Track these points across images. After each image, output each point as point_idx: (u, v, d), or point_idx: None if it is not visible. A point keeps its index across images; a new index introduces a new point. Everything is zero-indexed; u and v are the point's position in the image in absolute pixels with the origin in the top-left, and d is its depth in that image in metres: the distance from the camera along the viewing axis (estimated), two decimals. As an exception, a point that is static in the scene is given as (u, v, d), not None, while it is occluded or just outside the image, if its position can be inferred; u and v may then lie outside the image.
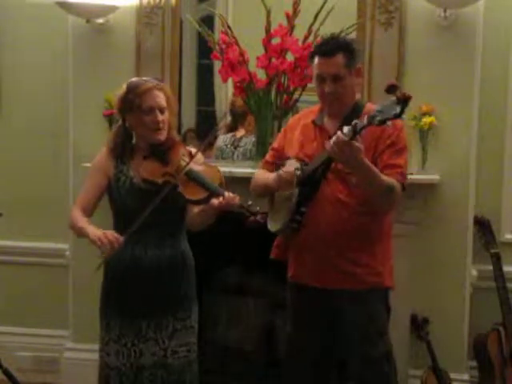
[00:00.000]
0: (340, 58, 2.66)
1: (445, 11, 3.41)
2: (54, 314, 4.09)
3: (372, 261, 2.75)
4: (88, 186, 2.75)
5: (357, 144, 2.45)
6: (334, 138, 2.46)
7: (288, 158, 2.80)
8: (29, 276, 4.15)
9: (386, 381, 2.81)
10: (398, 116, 2.33)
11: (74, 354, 3.93)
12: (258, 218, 2.58)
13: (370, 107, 2.76)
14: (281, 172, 2.73)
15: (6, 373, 3.40)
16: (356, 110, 2.71)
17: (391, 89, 2.37)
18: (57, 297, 4.05)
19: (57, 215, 3.90)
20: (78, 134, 3.81)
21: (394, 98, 2.33)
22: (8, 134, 4.14)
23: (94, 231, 2.56)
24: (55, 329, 4.11)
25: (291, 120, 3.01)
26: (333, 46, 2.68)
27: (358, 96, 2.91)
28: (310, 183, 2.69)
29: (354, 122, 2.43)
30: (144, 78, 2.74)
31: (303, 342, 2.85)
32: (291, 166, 2.72)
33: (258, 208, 2.60)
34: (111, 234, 2.52)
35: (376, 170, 2.58)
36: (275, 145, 2.97)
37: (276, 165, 2.88)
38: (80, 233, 2.65)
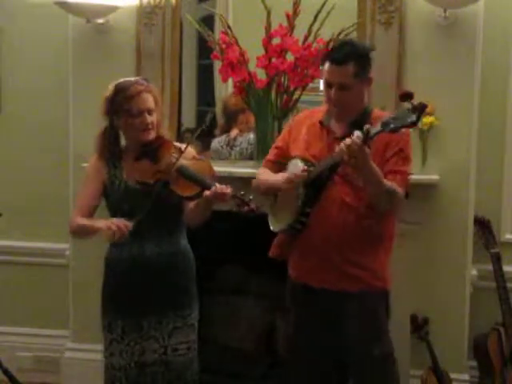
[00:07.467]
0: (350, 68, 2.61)
1: (445, 11, 3.40)
2: (54, 314, 4.09)
3: (375, 264, 2.75)
4: (84, 194, 2.77)
5: (366, 149, 2.45)
6: (347, 142, 2.44)
7: (293, 158, 2.77)
8: (29, 276, 4.15)
9: (387, 381, 2.81)
10: (415, 124, 2.33)
11: (74, 353, 3.93)
12: (253, 206, 2.59)
13: (378, 113, 2.75)
14: (291, 175, 2.66)
15: (6, 373, 3.40)
16: (363, 116, 2.69)
17: (405, 97, 2.36)
18: (57, 297, 4.05)
19: (57, 215, 3.90)
20: (78, 134, 3.80)
21: (408, 106, 2.32)
22: (8, 134, 4.14)
23: (100, 221, 2.60)
24: (55, 329, 4.11)
25: (296, 119, 2.96)
26: (345, 54, 2.62)
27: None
28: (316, 185, 2.66)
29: (365, 128, 2.41)
30: (131, 79, 2.74)
31: (304, 343, 2.84)
32: (296, 166, 2.68)
33: (251, 197, 2.60)
34: (118, 220, 2.55)
35: (378, 171, 2.56)
36: (279, 143, 2.92)
37: (280, 164, 2.85)
38: (85, 231, 2.67)
